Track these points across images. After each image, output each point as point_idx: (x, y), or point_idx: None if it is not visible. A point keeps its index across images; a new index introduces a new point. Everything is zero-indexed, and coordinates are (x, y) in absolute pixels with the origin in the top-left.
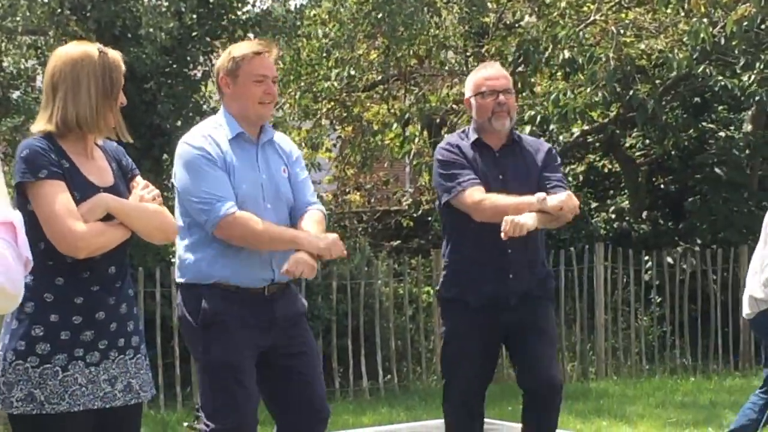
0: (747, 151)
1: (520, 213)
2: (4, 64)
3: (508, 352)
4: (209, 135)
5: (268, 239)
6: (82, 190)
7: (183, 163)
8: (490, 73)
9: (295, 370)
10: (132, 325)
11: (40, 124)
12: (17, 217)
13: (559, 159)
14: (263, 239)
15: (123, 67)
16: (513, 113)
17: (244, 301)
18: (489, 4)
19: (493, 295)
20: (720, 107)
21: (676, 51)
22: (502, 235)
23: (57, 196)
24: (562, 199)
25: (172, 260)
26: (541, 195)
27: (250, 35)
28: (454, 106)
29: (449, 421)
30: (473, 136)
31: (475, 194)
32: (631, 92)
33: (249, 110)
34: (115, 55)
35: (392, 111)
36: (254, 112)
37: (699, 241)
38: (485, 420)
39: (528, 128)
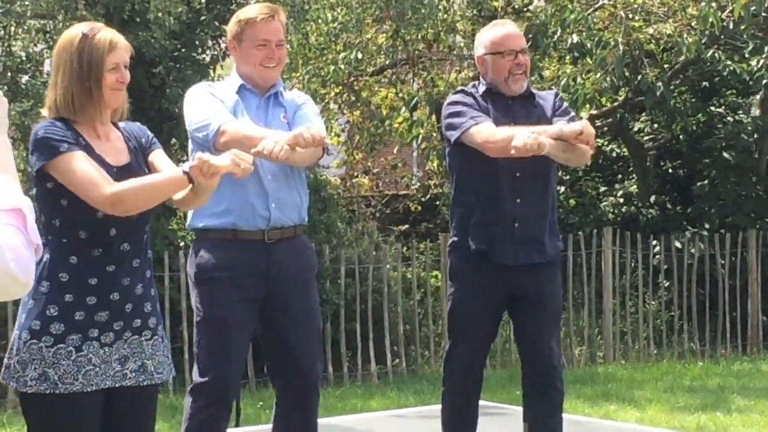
0: (755, 136)
1: None
2: (13, 48)
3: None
4: (213, 85)
5: (253, 136)
6: None
7: (186, 102)
8: (509, 30)
9: (283, 335)
10: (149, 306)
11: (44, 111)
12: (27, 203)
13: (566, 103)
14: (249, 137)
15: (116, 46)
16: (528, 72)
17: (238, 249)
18: None
19: (499, 245)
20: (728, 92)
21: (684, 35)
22: (513, 151)
23: (83, 164)
24: (582, 124)
25: (180, 244)
26: (561, 120)
27: None
28: None
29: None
30: (484, 88)
31: (486, 128)
32: (639, 77)
33: (253, 73)
34: (103, 35)
35: (400, 95)
36: (258, 75)
37: (707, 226)
38: (495, 404)
39: None
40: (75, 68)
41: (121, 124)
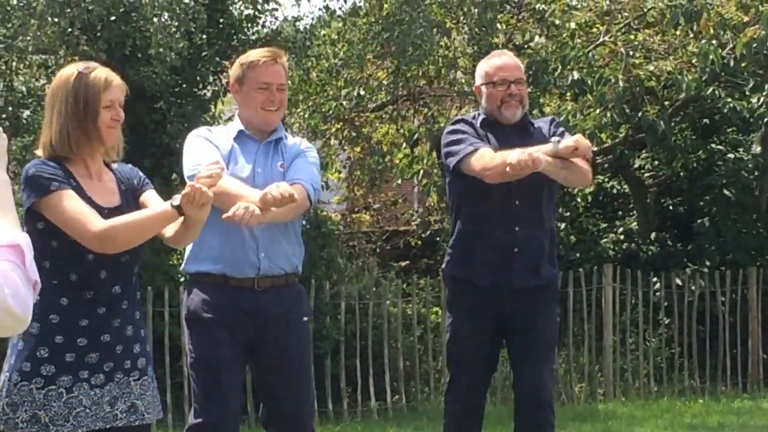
0: (756, 173)
1: None
2: (15, 83)
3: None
4: (211, 130)
5: (223, 194)
6: None
7: (184, 150)
8: (502, 61)
9: (274, 387)
10: (138, 347)
11: (39, 150)
12: (25, 239)
13: (562, 128)
14: (220, 194)
15: (112, 84)
16: (525, 102)
17: (229, 294)
18: (498, 25)
19: (497, 271)
20: (729, 129)
21: (685, 72)
22: (508, 168)
23: (73, 201)
24: (576, 139)
25: (180, 279)
26: (556, 137)
27: None
28: None
29: (450, 411)
30: (482, 118)
31: (484, 154)
32: (640, 114)
33: (253, 116)
34: (98, 73)
35: (401, 131)
36: (258, 119)
37: (708, 263)
38: None
39: None
40: (71, 106)
41: (114, 166)
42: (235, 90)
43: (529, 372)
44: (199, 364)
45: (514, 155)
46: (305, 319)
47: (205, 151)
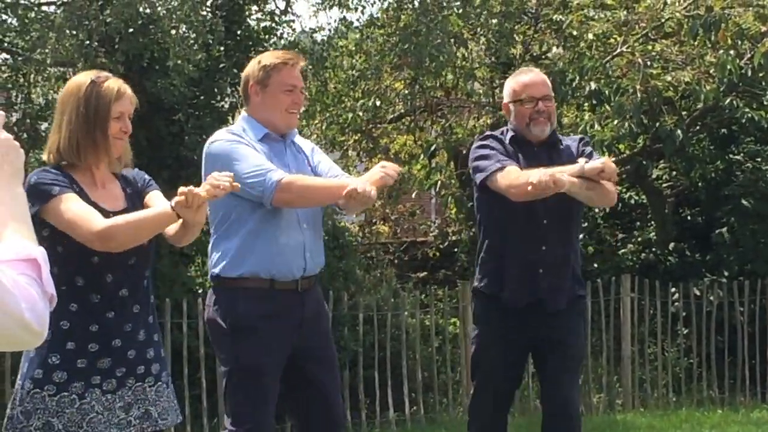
0: None
1: None
2: (33, 96)
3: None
4: (236, 133)
5: (323, 188)
6: None
7: (221, 155)
8: (529, 78)
9: (317, 380)
10: (152, 352)
11: (44, 156)
12: (41, 253)
13: (591, 146)
14: (319, 189)
15: (123, 95)
16: (553, 118)
17: (276, 300)
18: (516, 36)
19: (524, 291)
20: (747, 139)
21: (703, 83)
22: (529, 188)
23: (74, 203)
24: (603, 161)
25: (199, 291)
26: (583, 158)
27: None
28: None
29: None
30: (511, 135)
31: (511, 172)
32: (657, 124)
33: (277, 119)
34: (110, 83)
35: (419, 142)
36: (282, 121)
37: (726, 273)
38: None
39: None
40: (81, 113)
41: (122, 172)
42: (255, 92)
43: (558, 386)
44: (245, 370)
45: (536, 175)
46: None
47: (256, 154)
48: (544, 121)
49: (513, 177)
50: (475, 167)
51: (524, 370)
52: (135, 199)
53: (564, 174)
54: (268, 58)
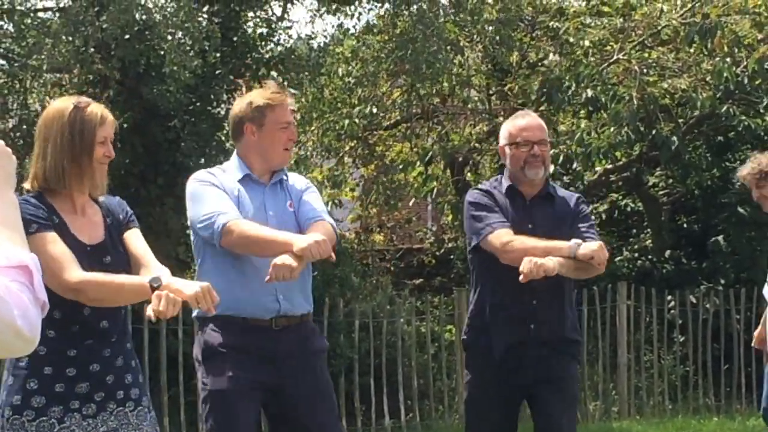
0: None
1: (547, 256)
2: (29, 101)
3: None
4: (214, 173)
5: (263, 241)
6: (69, 248)
7: (190, 196)
8: (526, 122)
9: (300, 424)
10: (130, 378)
11: (27, 183)
12: (33, 260)
13: (588, 208)
14: (259, 241)
15: (106, 120)
16: (548, 163)
17: (246, 333)
18: (512, 43)
19: (514, 344)
20: (743, 147)
21: (699, 90)
22: (521, 277)
23: (51, 245)
24: (594, 249)
25: None
26: (577, 240)
27: (274, 73)
28: (477, 144)
29: None
30: (506, 184)
31: (503, 235)
32: (654, 131)
33: (274, 156)
34: (94, 108)
35: (415, 150)
36: (278, 158)
37: (722, 281)
38: None
39: (551, 167)
40: (67, 139)
41: (101, 199)
42: (251, 131)
43: (553, 423)
44: (214, 396)
45: (524, 264)
46: (321, 353)
47: (217, 196)
48: (539, 165)
49: (506, 240)
50: (469, 227)
51: (518, 417)
52: (114, 231)
53: (552, 260)
54: (258, 98)
